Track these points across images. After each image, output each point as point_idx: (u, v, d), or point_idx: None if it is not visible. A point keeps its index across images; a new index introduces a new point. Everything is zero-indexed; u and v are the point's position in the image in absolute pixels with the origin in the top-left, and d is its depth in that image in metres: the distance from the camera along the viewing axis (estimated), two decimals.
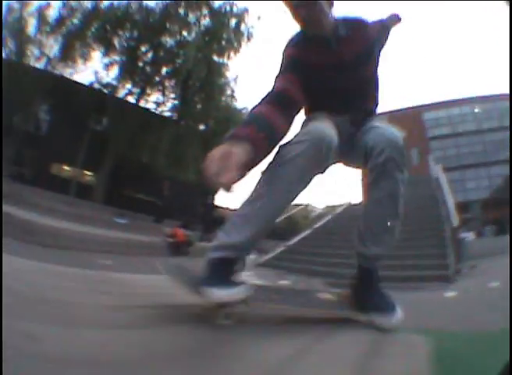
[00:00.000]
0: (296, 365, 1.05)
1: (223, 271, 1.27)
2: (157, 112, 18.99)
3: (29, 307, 1.14)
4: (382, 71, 1.72)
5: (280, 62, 1.56)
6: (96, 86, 18.33)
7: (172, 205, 16.59)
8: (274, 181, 1.34)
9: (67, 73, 18.30)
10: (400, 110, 35.16)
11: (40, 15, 17.62)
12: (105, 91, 18.17)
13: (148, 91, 18.65)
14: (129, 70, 17.74)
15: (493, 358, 1.03)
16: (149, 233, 11.52)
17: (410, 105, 36.61)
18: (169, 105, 18.92)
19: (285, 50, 1.58)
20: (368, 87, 1.68)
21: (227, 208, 28.08)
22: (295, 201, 1.47)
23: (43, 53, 18.01)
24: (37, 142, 18.69)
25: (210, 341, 1.14)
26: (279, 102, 1.42)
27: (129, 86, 18.32)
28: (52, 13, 17.71)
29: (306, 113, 1.68)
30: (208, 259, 1.31)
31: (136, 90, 18.45)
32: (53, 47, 17.99)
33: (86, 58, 18.17)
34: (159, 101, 18.85)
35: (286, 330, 1.38)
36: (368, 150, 1.46)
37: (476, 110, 33.25)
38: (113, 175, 18.26)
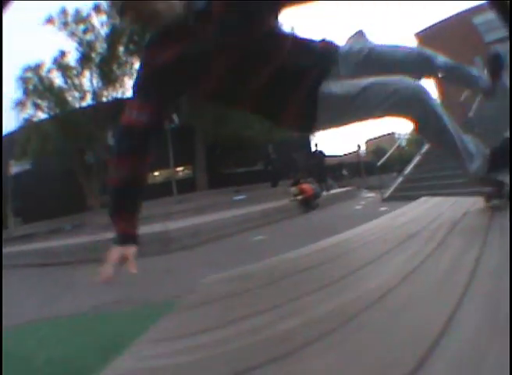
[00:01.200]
0: None
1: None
2: None
3: None
4: None
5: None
6: None
7: (281, 166, 16.72)
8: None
9: (118, 93, 19.06)
10: (447, 19, 32.36)
11: (61, 65, 18.49)
12: None
13: None
14: None
15: None
16: (272, 199, 11.57)
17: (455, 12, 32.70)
18: None
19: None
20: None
21: (333, 156, 27.89)
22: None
23: (83, 92, 18.96)
24: None
25: None
26: None
27: None
28: (71, 57, 18.57)
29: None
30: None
31: None
32: (93, 80, 18.89)
33: (129, 73, 18.74)
34: None
35: None
36: None
37: None
38: (208, 160, 18.79)
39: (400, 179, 11.07)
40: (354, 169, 22.66)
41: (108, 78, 18.49)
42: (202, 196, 15.44)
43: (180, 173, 20.62)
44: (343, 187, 15.73)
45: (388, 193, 10.25)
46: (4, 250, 11.04)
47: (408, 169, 11.55)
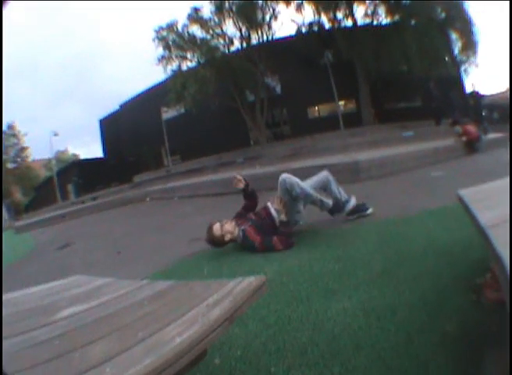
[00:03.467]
0: None
1: None
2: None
3: None
4: None
5: None
6: (304, 29, 19.08)
7: (442, 104, 16.00)
8: None
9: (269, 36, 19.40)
10: None
11: (196, 20, 19.15)
12: (315, 28, 18.80)
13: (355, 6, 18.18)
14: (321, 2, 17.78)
15: None
16: (438, 137, 11.11)
17: None
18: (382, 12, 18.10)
19: None
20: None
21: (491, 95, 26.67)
22: None
23: (228, 39, 19.49)
24: (279, 101, 20.70)
25: None
26: None
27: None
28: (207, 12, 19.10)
29: None
30: None
31: (341, 13, 18.25)
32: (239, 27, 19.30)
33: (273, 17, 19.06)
34: (369, 13, 18.15)
35: None
36: None
37: None
38: (371, 95, 18.38)
39: None
40: (505, 113, 20.82)
41: (252, 23, 18.73)
42: (370, 130, 15.24)
43: (342, 108, 20.53)
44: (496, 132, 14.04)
45: None
46: (170, 184, 11.84)
47: None
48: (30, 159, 42.51)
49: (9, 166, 40.23)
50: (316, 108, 21.75)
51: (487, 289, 1.55)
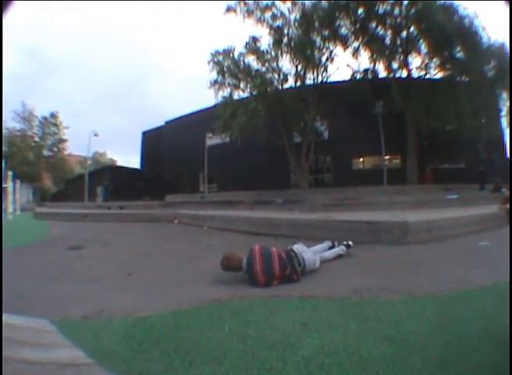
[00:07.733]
0: None
1: None
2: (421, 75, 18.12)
3: None
4: None
5: None
6: (358, 76, 19.01)
7: (488, 168, 15.60)
8: None
9: (324, 78, 19.17)
10: None
11: (253, 50, 19.00)
12: (370, 75, 18.73)
13: (409, 60, 18.01)
14: (377, 49, 17.65)
15: None
16: (483, 202, 10.74)
17: None
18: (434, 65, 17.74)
19: None
20: None
21: None
22: None
23: (283, 74, 19.15)
24: (325, 147, 20.50)
25: None
26: None
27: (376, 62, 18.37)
28: (265, 43, 19.07)
29: None
30: None
31: (397, 62, 18.10)
32: (295, 64, 19.10)
33: (330, 58, 18.82)
34: (420, 67, 17.91)
35: None
36: None
37: None
38: (418, 153, 17.93)
39: None
40: None
41: (308, 62, 18.53)
42: (414, 189, 14.86)
43: (387, 162, 20.00)
44: None
45: None
46: (202, 211, 11.54)
47: None
48: (66, 152, 44.23)
49: (45, 153, 41.91)
50: (361, 159, 21.56)
51: None
